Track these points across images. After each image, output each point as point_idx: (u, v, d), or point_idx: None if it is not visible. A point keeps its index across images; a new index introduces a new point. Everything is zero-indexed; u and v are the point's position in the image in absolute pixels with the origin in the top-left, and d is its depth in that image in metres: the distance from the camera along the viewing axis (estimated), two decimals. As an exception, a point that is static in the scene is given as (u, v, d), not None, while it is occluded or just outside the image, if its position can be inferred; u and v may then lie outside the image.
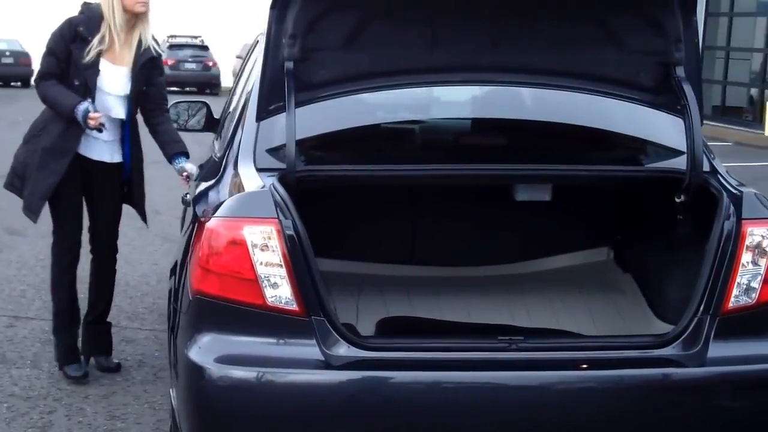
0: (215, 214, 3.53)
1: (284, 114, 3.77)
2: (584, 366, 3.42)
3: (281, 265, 3.41)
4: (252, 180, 3.66)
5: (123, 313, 6.83)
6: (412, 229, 4.51)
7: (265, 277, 3.42)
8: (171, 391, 4.32)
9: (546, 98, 4.21)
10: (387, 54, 3.81)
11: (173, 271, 4.00)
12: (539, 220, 4.49)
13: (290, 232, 3.42)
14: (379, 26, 3.73)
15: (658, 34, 3.74)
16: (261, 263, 3.43)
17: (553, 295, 4.26)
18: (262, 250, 3.43)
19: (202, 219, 3.62)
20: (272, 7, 3.63)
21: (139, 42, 5.20)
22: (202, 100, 6.22)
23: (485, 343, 3.49)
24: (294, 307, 3.42)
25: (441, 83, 4.04)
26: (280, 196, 3.46)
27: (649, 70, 3.82)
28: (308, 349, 3.43)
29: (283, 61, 3.71)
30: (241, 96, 4.86)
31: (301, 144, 3.87)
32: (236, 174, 3.78)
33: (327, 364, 3.41)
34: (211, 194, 3.82)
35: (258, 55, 4.91)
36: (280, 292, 3.42)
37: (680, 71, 3.77)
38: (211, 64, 33.60)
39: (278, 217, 3.43)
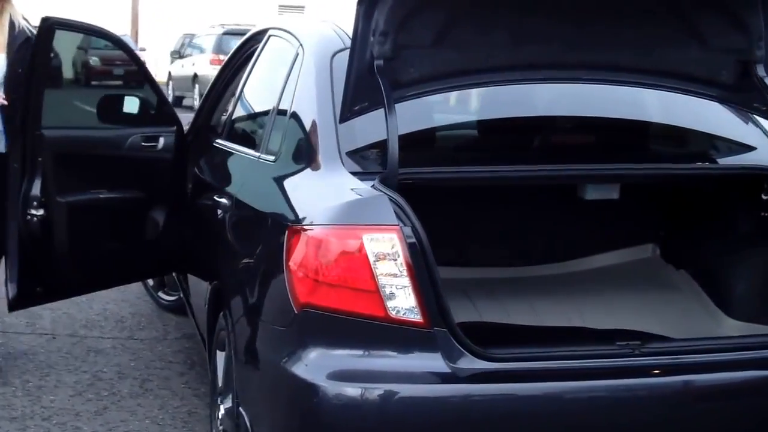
0: (324, 222, 3.25)
1: (367, 114, 3.56)
2: (721, 368, 3.29)
3: (404, 275, 3.18)
4: (349, 184, 3.41)
5: (76, 321, 6.42)
6: (461, 230, 4.31)
7: (386, 287, 3.19)
8: (218, 412, 4.11)
9: (627, 96, 4.09)
10: (474, 52, 3.63)
11: (232, 285, 3.81)
12: (579, 218, 4.36)
13: (412, 239, 3.18)
14: (466, 23, 3.55)
15: (741, 33, 3.66)
16: (382, 273, 3.19)
17: (609, 294, 4.15)
18: (384, 259, 3.19)
19: (298, 226, 3.33)
20: (359, 3, 3.37)
21: (12, 24, 5.10)
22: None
23: (609, 350, 3.33)
24: (417, 318, 3.19)
25: (526, 81, 3.85)
26: (399, 201, 3.21)
27: (730, 69, 3.73)
28: (432, 362, 3.21)
29: (371, 60, 3.46)
30: (261, 95, 4.60)
31: (383, 144, 3.63)
32: (327, 178, 3.50)
33: (452, 378, 3.20)
34: (298, 199, 3.53)
35: (262, 51, 4.63)
36: (402, 303, 3.19)
37: (761, 70, 3.69)
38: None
39: (400, 224, 3.17)
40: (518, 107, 4.22)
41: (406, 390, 3.21)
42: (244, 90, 4.85)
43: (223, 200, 4.21)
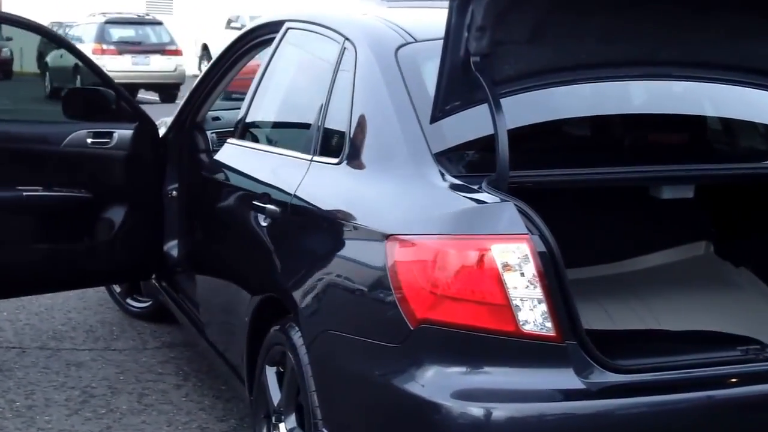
0: (443, 231, 2.98)
1: (458, 114, 3.34)
2: None
3: (536, 287, 2.93)
4: (459, 189, 3.14)
5: (42, 332, 5.97)
6: None
7: (517, 300, 2.93)
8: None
9: (716, 93, 3.91)
10: (566, 48, 3.39)
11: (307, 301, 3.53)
12: (629, 217, 4.18)
13: (542, 248, 2.93)
14: (561, 18, 3.31)
15: None
16: (512, 285, 2.93)
17: (674, 294, 3.98)
18: (514, 270, 2.93)
19: (405, 236, 3.05)
20: None
21: None
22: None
23: (734, 356, 3.16)
24: (550, 332, 2.95)
25: (616, 78, 3.64)
26: (523, 208, 2.97)
27: None
28: (564, 378, 2.99)
29: (466, 56, 3.20)
30: (294, 93, 4.31)
31: (476, 145, 3.38)
32: (423, 182, 3.22)
33: (586, 394, 2.99)
34: (394, 205, 3.24)
35: (280, 46, 4.32)
36: (534, 316, 2.95)
37: None
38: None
39: (529, 233, 2.92)
40: (605, 105, 4.00)
41: (538, 409, 2.98)
42: (265, 87, 4.48)
43: (269, 206, 3.87)
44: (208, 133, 5.58)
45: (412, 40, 3.74)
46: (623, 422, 3.01)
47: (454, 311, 2.96)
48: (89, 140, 5.22)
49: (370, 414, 3.20)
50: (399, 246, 3.07)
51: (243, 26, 34.66)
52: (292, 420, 3.68)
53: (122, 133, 5.29)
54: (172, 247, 5.60)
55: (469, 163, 3.38)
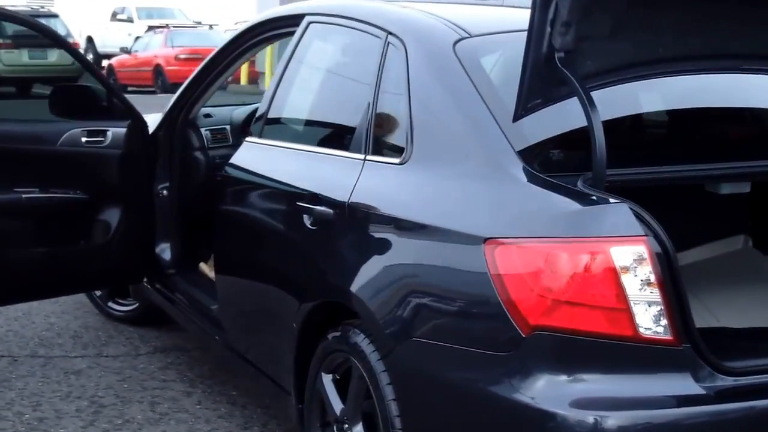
0: (554, 234, 2.88)
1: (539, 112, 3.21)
2: None
3: (654, 290, 2.83)
4: (555, 189, 3.03)
5: (28, 339, 5.70)
6: None
7: (636, 304, 2.83)
8: None
9: None
10: (644, 42, 3.30)
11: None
12: (667, 212, 4.10)
13: (658, 249, 2.84)
14: (638, 12, 3.23)
15: None
16: (631, 288, 2.83)
17: (724, 289, 3.91)
18: (632, 273, 2.84)
19: (508, 239, 2.93)
20: None
21: None
22: None
23: None
24: (668, 336, 2.86)
25: (691, 72, 3.55)
26: (635, 208, 2.87)
27: None
28: (682, 383, 2.92)
29: (549, 53, 3.10)
30: (328, 89, 4.15)
31: (557, 143, 3.27)
32: (515, 182, 3.10)
33: (704, 399, 2.91)
34: (487, 206, 3.11)
35: (302, 40, 4.16)
36: (652, 320, 2.87)
37: None
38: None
39: (646, 234, 2.83)
40: (675, 100, 3.91)
41: (658, 416, 2.89)
42: (288, 84, 4.30)
43: (318, 207, 3.71)
44: (203, 130, 5.35)
45: (467, 35, 3.62)
46: (741, 427, 2.92)
47: (570, 317, 2.85)
48: (84, 139, 4.96)
49: (468, 423, 3.06)
50: (502, 250, 2.94)
51: (129, 18, 33.92)
52: (359, 429, 3.52)
53: (116, 131, 5.05)
54: (166, 247, 5.37)
55: (552, 162, 3.26)
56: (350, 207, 3.60)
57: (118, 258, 5.09)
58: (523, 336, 2.89)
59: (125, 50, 26.70)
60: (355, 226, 3.59)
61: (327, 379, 3.72)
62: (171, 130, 5.29)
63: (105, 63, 27.96)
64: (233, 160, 4.44)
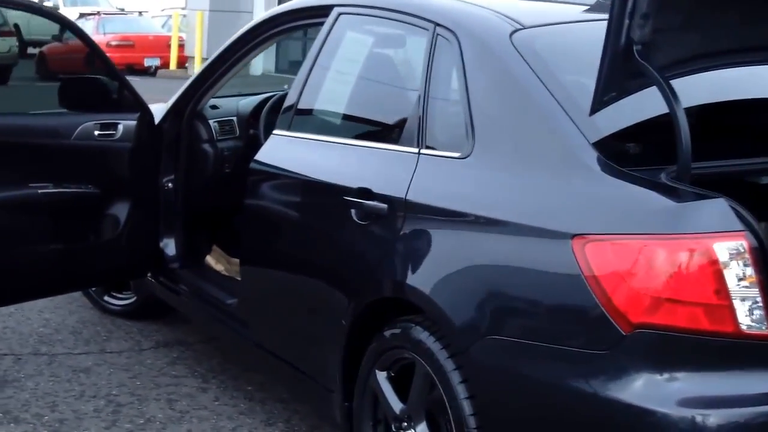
0: (651, 231, 2.81)
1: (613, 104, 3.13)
2: None
3: (753, 284, 2.78)
4: (642, 184, 2.96)
5: (26, 336, 5.49)
6: None
7: (737, 300, 2.78)
8: None
9: None
10: (712, 33, 3.25)
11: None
12: None
13: (755, 244, 2.79)
14: (707, 3, 3.16)
15: None
16: (733, 284, 2.77)
17: None
18: (733, 268, 2.77)
19: (600, 236, 2.85)
20: None
21: None
22: None
23: None
24: (766, 330, 2.79)
25: (756, 63, 3.50)
26: (731, 203, 2.81)
27: None
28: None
29: (627, 45, 3.03)
30: (369, 82, 4.06)
31: (631, 136, 3.20)
32: (599, 177, 3.02)
33: None
34: (572, 202, 3.03)
35: (332, 31, 4.04)
36: (753, 315, 2.82)
37: None
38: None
39: (745, 229, 2.77)
40: (743, 91, 3.82)
41: (760, 414, 2.82)
42: (319, 76, 4.17)
43: (370, 202, 3.59)
44: (211, 122, 5.19)
45: (521, 27, 3.52)
46: None
47: (671, 314, 2.78)
48: (96, 132, 4.77)
49: (555, 421, 2.98)
50: (594, 246, 2.86)
51: (55, 5, 33.08)
52: (423, 427, 3.41)
53: (127, 124, 4.86)
54: (171, 241, 5.20)
55: (628, 155, 3.17)
56: (408, 202, 3.48)
57: (127, 253, 4.91)
58: (624, 334, 2.81)
59: (57, 38, 26.07)
60: (415, 222, 3.48)
61: (382, 377, 3.60)
62: (177, 121, 5.11)
63: (33, 51, 27.26)
64: (262, 153, 4.28)
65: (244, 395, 4.75)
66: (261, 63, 24.63)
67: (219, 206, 5.48)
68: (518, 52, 3.43)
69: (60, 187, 4.65)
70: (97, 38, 24.25)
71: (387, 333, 3.56)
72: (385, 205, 3.57)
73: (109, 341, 5.42)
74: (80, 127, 4.74)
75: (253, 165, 4.28)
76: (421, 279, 3.39)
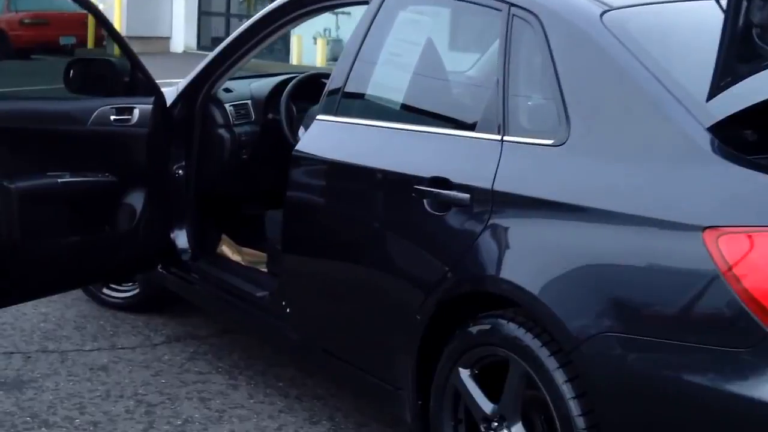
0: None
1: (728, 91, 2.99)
2: None
3: None
4: None
5: (29, 333, 5.19)
6: None
7: None
8: None
9: None
10: None
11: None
12: None
13: None
14: None
15: None
16: None
17: None
18: None
19: (731, 227, 2.71)
20: None
21: None
22: None
23: None
24: None
25: None
26: None
27: None
28: None
29: (746, 28, 2.89)
30: (433, 65, 3.81)
31: (746, 121, 3.06)
32: (723, 165, 2.90)
33: None
34: (696, 193, 2.88)
35: (381, 11, 3.85)
36: None
37: None
38: None
39: None
40: None
41: None
42: (369, 58, 3.94)
43: (450, 192, 3.40)
44: (227, 106, 4.92)
45: (609, 7, 3.35)
46: None
47: None
48: (113, 117, 4.48)
49: (683, 421, 2.83)
50: (729, 239, 2.73)
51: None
52: (519, 428, 3.24)
53: (143, 108, 4.58)
54: (183, 230, 4.92)
55: (748, 143, 3.02)
56: (496, 192, 3.28)
57: (143, 244, 4.64)
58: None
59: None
60: (505, 213, 3.29)
61: (465, 375, 3.42)
62: (190, 105, 4.84)
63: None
64: (307, 141, 4.04)
65: (278, 392, 4.53)
66: (182, 40, 24.13)
67: (229, 194, 5.22)
68: (612, 34, 3.25)
69: (78, 175, 4.36)
70: (9, 16, 23.48)
71: (473, 329, 3.37)
72: (467, 195, 3.37)
73: (117, 336, 5.14)
74: (96, 112, 4.44)
75: (297, 153, 4.03)
76: (518, 273, 3.21)
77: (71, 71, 4.67)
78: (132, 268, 4.84)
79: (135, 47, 5.07)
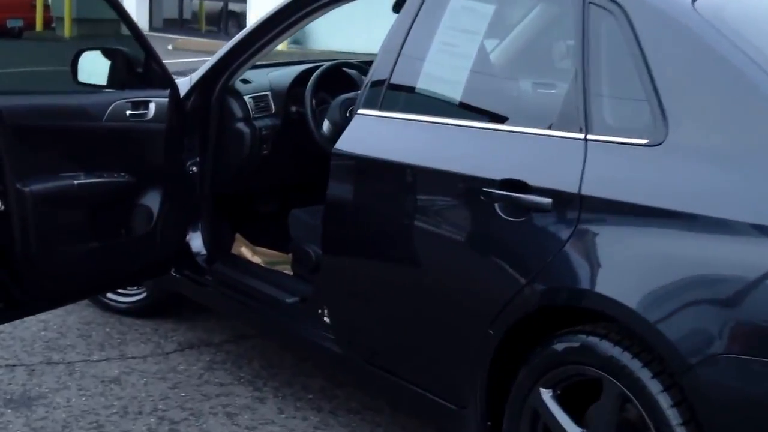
0: None
1: None
2: None
3: None
4: None
5: (29, 343, 4.82)
6: None
7: None
8: None
9: None
10: None
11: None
12: None
13: None
14: None
15: None
16: None
17: None
18: None
19: None
20: None
21: None
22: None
23: None
24: None
25: None
26: None
27: None
28: None
29: None
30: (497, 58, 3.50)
31: None
32: None
33: None
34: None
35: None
36: None
37: None
38: None
39: None
40: None
41: None
42: (417, 48, 3.60)
43: (527, 196, 3.08)
44: (246, 98, 4.55)
45: None
46: None
47: None
48: (128, 112, 4.09)
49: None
50: None
51: None
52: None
53: (159, 102, 4.20)
54: (197, 231, 4.56)
55: None
56: (584, 197, 2.96)
57: (161, 247, 4.26)
58: None
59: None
60: (596, 220, 2.98)
61: (547, 396, 3.10)
62: (206, 98, 4.47)
63: None
64: (349, 137, 3.69)
65: (309, 405, 4.20)
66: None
67: (246, 191, 4.86)
68: (709, 22, 2.94)
69: (94, 176, 3.97)
70: None
71: (559, 346, 3.06)
72: (548, 200, 3.05)
73: (125, 344, 4.76)
74: (112, 106, 4.05)
75: (338, 151, 3.68)
76: (614, 285, 2.90)
77: (79, 62, 4.26)
78: (149, 273, 4.45)
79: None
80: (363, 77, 4.86)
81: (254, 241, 4.92)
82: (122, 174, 4.11)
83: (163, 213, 4.26)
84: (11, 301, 3.83)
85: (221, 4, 22.92)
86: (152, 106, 4.21)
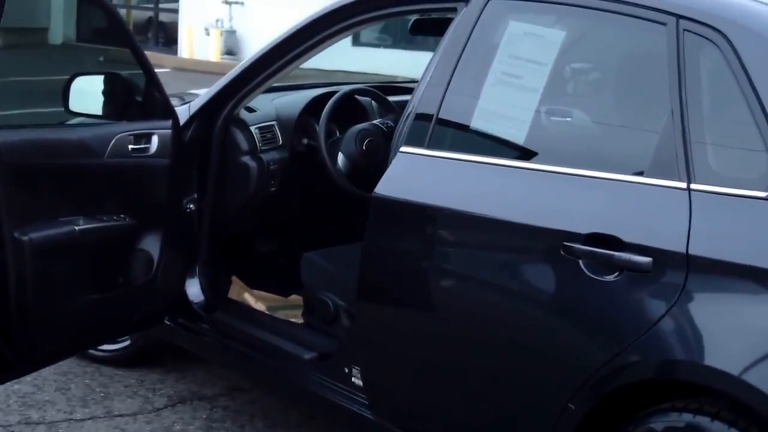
0: None
1: None
2: None
3: None
4: None
5: (5, 399, 4.27)
6: None
7: None
8: None
9: None
10: None
11: None
12: None
13: None
14: None
15: None
16: None
17: None
18: None
19: None
20: None
21: None
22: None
23: None
24: None
25: None
26: None
27: None
28: None
29: None
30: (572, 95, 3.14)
31: None
32: None
33: None
34: None
35: (481, 25, 3.15)
36: None
37: None
38: None
39: None
40: None
41: None
42: (468, 79, 3.19)
43: (622, 254, 2.69)
44: (252, 129, 4.10)
45: None
46: None
47: None
48: (131, 146, 3.62)
49: None
50: None
51: None
52: None
53: (161, 134, 3.73)
54: (195, 275, 4.09)
55: None
56: (692, 257, 2.57)
57: (161, 295, 3.80)
58: None
59: None
60: (708, 283, 2.62)
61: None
62: (207, 128, 4.00)
63: None
64: (390, 179, 3.26)
65: (325, 471, 3.73)
66: (61, 30, 22.80)
67: (247, 230, 4.41)
68: None
69: (96, 220, 3.49)
70: None
71: (657, 425, 2.66)
72: (648, 259, 2.66)
73: (109, 399, 4.26)
74: (113, 141, 3.58)
75: (380, 196, 3.24)
76: (731, 359, 2.53)
77: (71, 89, 3.77)
78: (147, 323, 3.97)
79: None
80: (373, 104, 4.45)
81: (250, 282, 4.46)
82: (122, 216, 3.63)
83: (164, 258, 3.79)
84: (5, 363, 3.33)
85: (150, 13, 22.33)
86: (155, 140, 3.75)
